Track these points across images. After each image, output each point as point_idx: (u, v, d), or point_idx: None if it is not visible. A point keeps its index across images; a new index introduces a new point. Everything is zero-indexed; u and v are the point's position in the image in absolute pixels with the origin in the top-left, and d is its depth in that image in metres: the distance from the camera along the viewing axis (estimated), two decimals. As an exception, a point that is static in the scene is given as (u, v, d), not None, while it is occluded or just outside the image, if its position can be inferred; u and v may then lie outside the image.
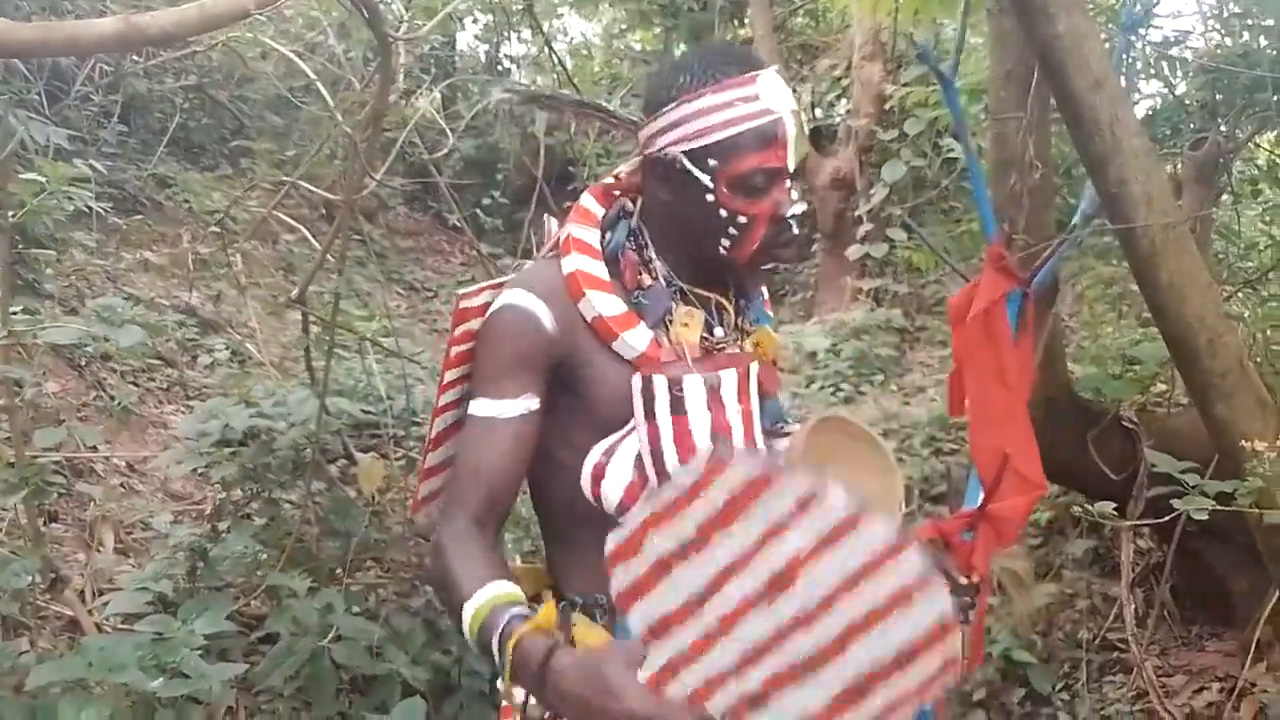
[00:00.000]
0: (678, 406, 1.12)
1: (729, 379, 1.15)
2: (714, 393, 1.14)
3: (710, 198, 1.18)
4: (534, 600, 1.31)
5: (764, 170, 1.17)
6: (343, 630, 2.16)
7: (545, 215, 1.39)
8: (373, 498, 2.64)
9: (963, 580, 1.39)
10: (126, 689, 1.53)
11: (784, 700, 0.88)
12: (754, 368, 1.19)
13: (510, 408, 1.16)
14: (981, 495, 1.60)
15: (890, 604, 0.85)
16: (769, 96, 1.18)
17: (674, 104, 1.19)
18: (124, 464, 3.27)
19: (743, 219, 1.18)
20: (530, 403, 1.17)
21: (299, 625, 2.15)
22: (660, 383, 1.13)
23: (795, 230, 1.22)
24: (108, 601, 2.11)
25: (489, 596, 1.05)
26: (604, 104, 1.37)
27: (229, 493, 2.57)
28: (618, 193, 1.31)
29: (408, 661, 2.24)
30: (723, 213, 1.18)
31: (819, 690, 0.88)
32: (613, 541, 0.89)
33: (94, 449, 3.11)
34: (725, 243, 1.21)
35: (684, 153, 1.18)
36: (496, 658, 1.01)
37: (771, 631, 0.87)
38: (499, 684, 1.04)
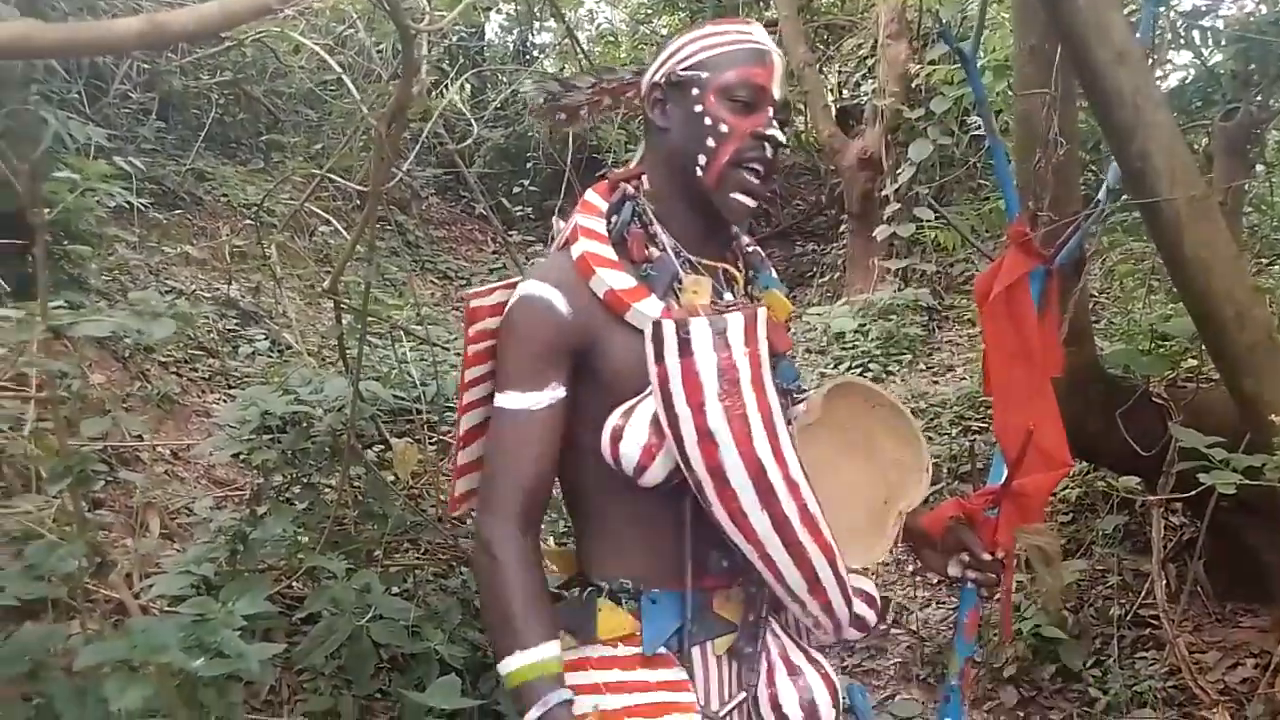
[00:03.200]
0: (685, 349, 1.14)
1: (735, 321, 1.17)
2: (720, 335, 1.15)
3: (698, 107, 1.25)
4: (565, 586, 1.35)
5: (749, 84, 1.24)
6: (381, 610, 2.20)
7: (555, 217, 1.42)
8: (408, 481, 2.70)
9: (986, 556, 1.41)
10: (170, 668, 1.58)
11: None
12: (761, 313, 1.20)
13: (539, 399, 1.20)
14: (1005, 472, 1.61)
15: None
16: (761, 36, 1.29)
17: (676, 39, 1.31)
18: (168, 452, 3.36)
19: (723, 128, 1.23)
20: (557, 392, 1.21)
21: (338, 605, 2.19)
22: (668, 326, 1.16)
23: (769, 156, 1.26)
24: (152, 585, 2.18)
25: (534, 660, 1.14)
26: (610, 71, 1.42)
27: (269, 478, 2.64)
28: (621, 183, 1.35)
29: (444, 640, 2.28)
30: (706, 121, 1.24)
31: None
32: None
33: (139, 437, 3.19)
34: (702, 159, 1.25)
35: (681, 68, 1.27)
36: None
37: None
38: None
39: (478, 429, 1.35)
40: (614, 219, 1.30)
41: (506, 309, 1.25)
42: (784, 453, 1.18)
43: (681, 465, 1.17)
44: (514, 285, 1.28)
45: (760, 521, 1.17)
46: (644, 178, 1.34)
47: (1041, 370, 2.02)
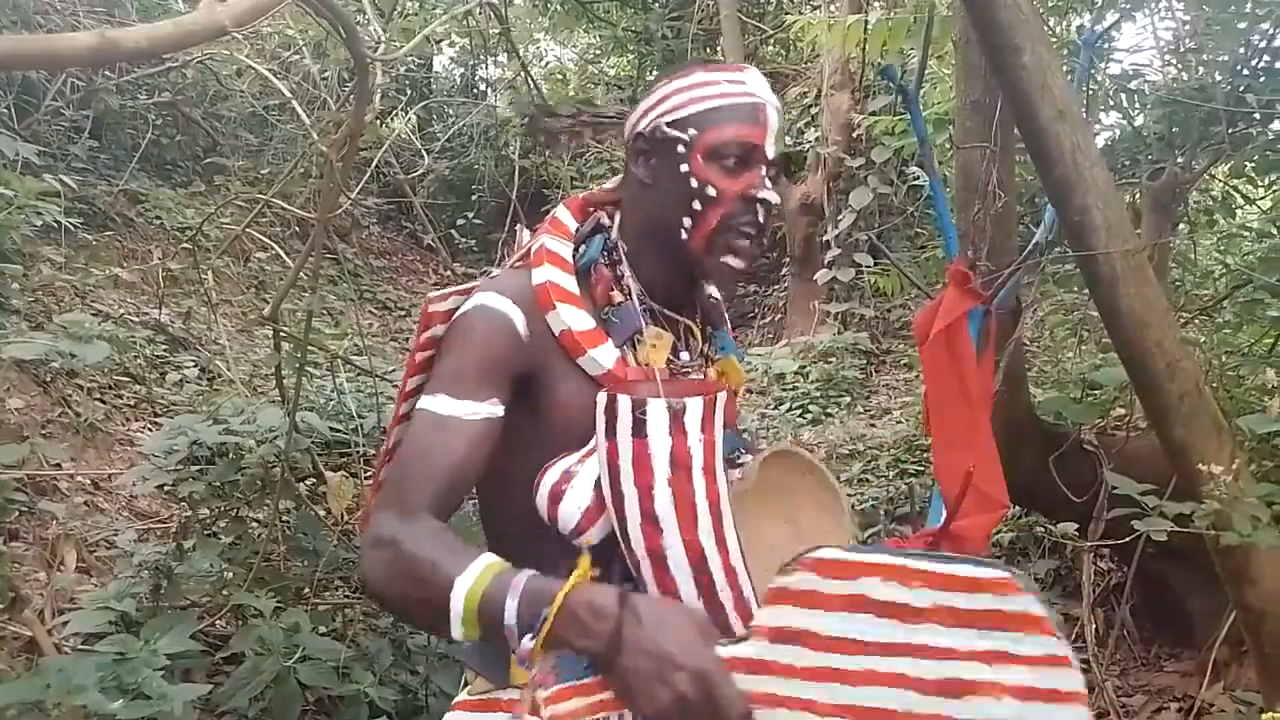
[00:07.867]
0: (639, 429, 1.08)
1: (694, 407, 1.09)
2: (677, 418, 1.08)
3: (684, 167, 1.16)
4: None
5: (740, 143, 1.15)
6: (309, 650, 2.14)
7: (518, 225, 1.35)
8: (341, 516, 2.63)
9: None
10: (85, 711, 1.50)
11: None
12: (721, 398, 1.13)
13: (475, 410, 1.10)
14: (944, 514, 1.63)
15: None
16: (755, 86, 1.19)
17: (664, 84, 1.21)
18: (89, 481, 3.22)
19: (711, 191, 1.15)
20: (495, 409, 1.11)
21: (264, 645, 2.12)
22: (624, 403, 1.09)
23: (761, 219, 1.18)
24: (68, 621, 2.08)
25: (484, 566, 0.97)
26: (590, 105, 1.38)
27: (195, 510, 2.55)
28: (593, 208, 1.29)
29: (374, 682, 2.21)
30: (693, 182, 1.15)
31: None
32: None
33: (58, 466, 3.06)
34: (687, 221, 1.16)
35: (666, 123, 1.17)
36: (514, 621, 0.94)
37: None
38: (526, 642, 0.94)
39: None
40: (582, 248, 1.24)
41: (458, 313, 1.17)
42: (726, 539, 1.13)
43: (620, 541, 1.11)
44: (469, 292, 1.20)
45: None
46: (620, 213, 1.27)
47: (979, 410, 2.05)
